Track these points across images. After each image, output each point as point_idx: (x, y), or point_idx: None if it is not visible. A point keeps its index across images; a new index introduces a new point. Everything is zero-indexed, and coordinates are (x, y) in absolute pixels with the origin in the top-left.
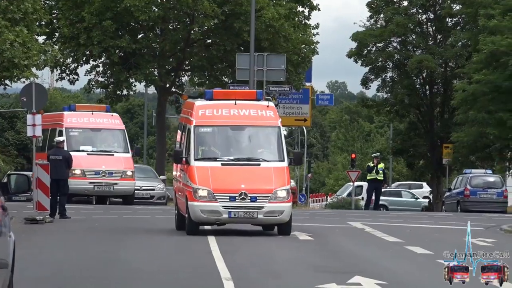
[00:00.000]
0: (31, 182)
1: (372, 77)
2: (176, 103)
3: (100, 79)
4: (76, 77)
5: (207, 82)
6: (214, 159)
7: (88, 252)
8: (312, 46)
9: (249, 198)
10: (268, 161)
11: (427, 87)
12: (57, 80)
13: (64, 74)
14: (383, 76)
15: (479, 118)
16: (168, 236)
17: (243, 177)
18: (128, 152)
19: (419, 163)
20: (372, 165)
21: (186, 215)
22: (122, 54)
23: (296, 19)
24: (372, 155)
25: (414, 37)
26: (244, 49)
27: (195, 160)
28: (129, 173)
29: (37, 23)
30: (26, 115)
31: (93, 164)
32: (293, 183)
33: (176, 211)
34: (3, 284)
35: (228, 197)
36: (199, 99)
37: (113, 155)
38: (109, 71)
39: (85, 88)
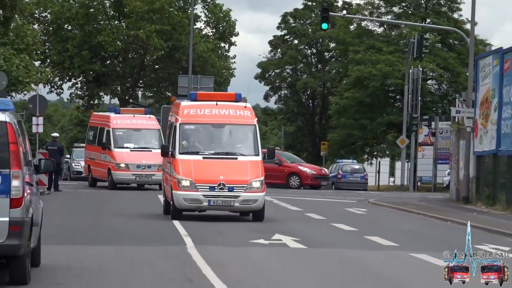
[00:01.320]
0: (55, 165)
1: (271, 93)
2: None
3: (78, 92)
4: (61, 91)
5: (155, 96)
6: (197, 153)
7: (80, 217)
8: (231, 71)
9: (227, 188)
10: (244, 155)
11: (310, 101)
12: (47, 93)
13: (53, 89)
14: (279, 93)
15: (348, 124)
16: (138, 206)
17: (222, 169)
18: None
19: (303, 155)
20: None
21: (171, 202)
22: (95, 75)
23: (220, 51)
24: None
25: (302, 65)
26: (182, 72)
27: (180, 153)
28: None
29: (35, 52)
30: (32, 117)
31: (135, 159)
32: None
33: (164, 198)
34: (37, 237)
35: (208, 187)
36: (185, 100)
37: (151, 151)
38: (85, 87)
39: (67, 99)
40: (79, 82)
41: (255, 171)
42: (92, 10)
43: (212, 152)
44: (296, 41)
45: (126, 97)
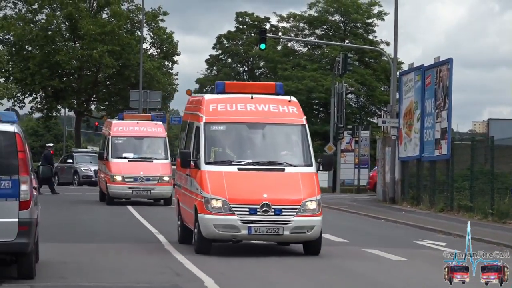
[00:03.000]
0: (53, 171)
1: None
2: (86, 121)
3: (38, 106)
4: (23, 104)
5: (107, 109)
6: (229, 163)
7: (56, 217)
8: (174, 86)
9: (273, 210)
10: (293, 165)
11: None
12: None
13: (15, 103)
14: None
15: None
16: (104, 205)
17: (265, 185)
18: (168, 158)
19: None
20: None
21: (195, 230)
22: (53, 90)
23: (164, 69)
24: None
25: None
26: (131, 88)
27: (206, 163)
28: (166, 178)
29: (0, 70)
30: None
31: (132, 170)
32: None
33: (179, 222)
34: (37, 236)
35: (247, 209)
36: (208, 93)
37: (152, 161)
38: (44, 101)
39: (28, 112)
40: (39, 97)
41: (310, 187)
42: (50, 32)
43: (250, 161)
44: (229, 60)
45: (81, 110)
